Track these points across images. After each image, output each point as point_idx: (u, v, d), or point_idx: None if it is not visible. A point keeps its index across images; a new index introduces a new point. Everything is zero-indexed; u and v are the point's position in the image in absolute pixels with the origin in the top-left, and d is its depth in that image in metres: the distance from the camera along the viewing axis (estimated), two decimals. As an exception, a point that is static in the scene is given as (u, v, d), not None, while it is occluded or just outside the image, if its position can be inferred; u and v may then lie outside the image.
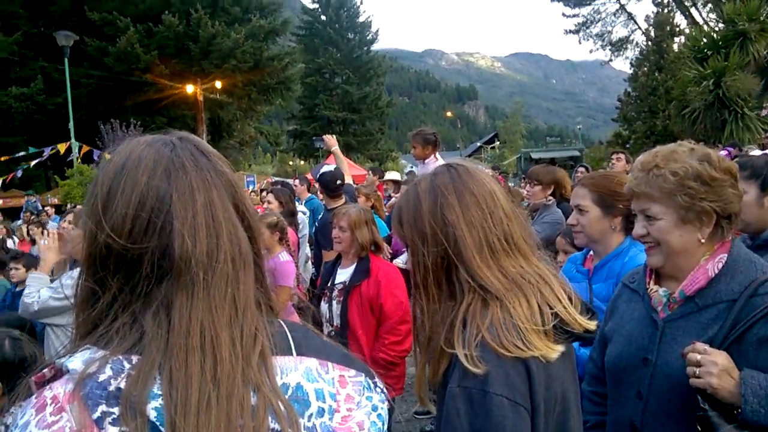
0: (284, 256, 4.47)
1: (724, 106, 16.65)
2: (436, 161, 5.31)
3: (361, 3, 58.76)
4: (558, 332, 1.26)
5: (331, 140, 6.01)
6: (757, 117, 16.84)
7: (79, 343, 0.84)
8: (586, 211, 2.40)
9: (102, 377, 0.77)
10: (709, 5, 38.51)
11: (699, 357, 1.50)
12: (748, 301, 1.54)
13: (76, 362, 0.79)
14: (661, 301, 1.70)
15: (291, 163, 64.92)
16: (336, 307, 3.64)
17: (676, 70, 24.61)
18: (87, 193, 0.92)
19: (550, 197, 5.01)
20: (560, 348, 1.25)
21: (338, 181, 5.39)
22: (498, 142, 65.17)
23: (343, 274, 3.74)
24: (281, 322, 0.94)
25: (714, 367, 1.47)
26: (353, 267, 3.69)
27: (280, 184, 7.18)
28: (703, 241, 1.64)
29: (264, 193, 9.07)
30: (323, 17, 56.89)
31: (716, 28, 19.64)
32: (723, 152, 7.93)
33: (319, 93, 55.30)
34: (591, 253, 2.53)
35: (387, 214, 6.44)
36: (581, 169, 7.10)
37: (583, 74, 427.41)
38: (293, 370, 0.85)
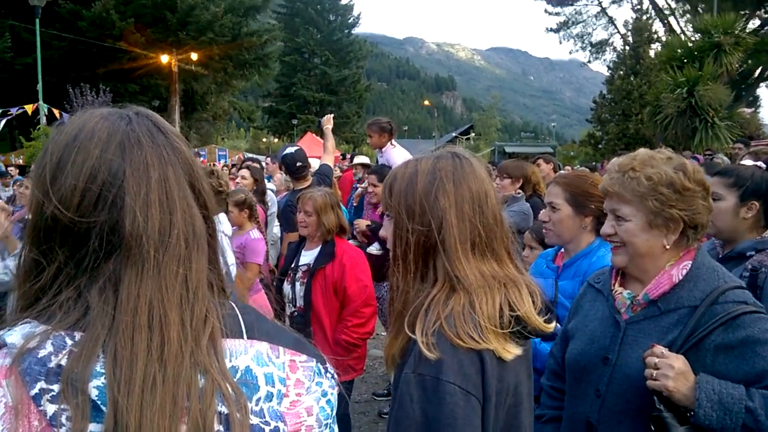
0: (255, 234, 4.44)
1: (695, 114, 16.97)
2: (393, 148, 5.34)
3: (344, -15, 58.29)
4: (516, 335, 1.28)
5: (328, 119, 5.91)
6: (726, 127, 17.22)
7: (19, 316, 0.80)
8: (558, 209, 2.42)
9: (42, 353, 0.73)
10: (687, 15, 39.25)
11: (657, 360, 1.53)
12: (709, 309, 1.57)
13: (14, 336, 0.75)
14: (625, 303, 1.72)
15: (264, 140, 64.26)
16: (299, 289, 3.61)
17: (651, 76, 25.05)
18: (36, 162, 0.88)
19: (519, 190, 5.07)
20: (516, 351, 1.27)
21: (299, 163, 5.25)
22: (473, 134, 65.44)
23: (308, 256, 3.70)
24: (233, 304, 0.91)
25: (671, 370, 1.51)
26: (318, 249, 3.66)
27: (252, 161, 7.06)
28: (667, 247, 1.67)
29: (235, 169, 8.96)
30: (306, -4, 56.26)
31: (693, 38, 19.95)
32: (694, 161, 8.08)
33: (297, 72, 54.82)
34: (562, 250, 2.55)
35: (355, 204, 6.36)
36: (539, 160, 7.12)
37: (561, 73, 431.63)
38: (243, 354, 0.84)
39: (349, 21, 58.89)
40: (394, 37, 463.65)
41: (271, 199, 6.09)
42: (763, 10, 39.06)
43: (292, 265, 3.73)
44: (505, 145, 32.20)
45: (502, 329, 1.25)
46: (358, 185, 7.12)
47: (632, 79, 29.71)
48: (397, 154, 5.42)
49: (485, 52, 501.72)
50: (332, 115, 6.22)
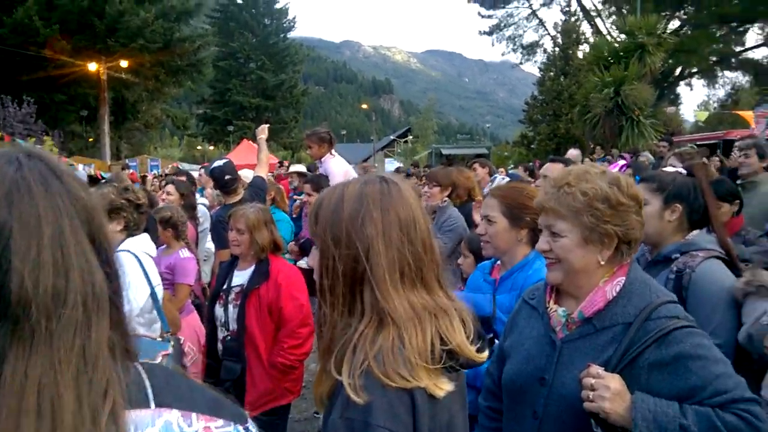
0: (184, 253, 4.24)
1: (622, 113, 17.65)
2: (332, 158, 5.26)
3: (279, -12, 57.72)
4: (448, 369, 1.23)
5: (262, 129, 5.69)
6: (650, 125, 17.98)
7: None
8: (494, 222, 2.40)
9: None
10: (613, 17, 40.88)
11: (593, 381, 1.51)
12: (642, 325, 1.56)
13: None
14: (560, 321, 1.69)
15: (199, 148, 62.82)
16: (232, 311, 3.45)
17: (580, 77, 25.88)
18: None
19: (446, 198, 5.07)
20: (448, 387, 1.21)
21: (227, 176, 5.01)
22: (411, 136, 65.95)
23: (241, 277, 3.54)
24: (140, 367, 0.82)
25: (607, 391, 1.49)
26: (251, 269, 3.51)
27: (182, 174, 6.78)
28: (602, 262, 1.65)
29: (164, 182, 8.61)
30: (239, 0, 55.29)
31: (618, 39, 20.76)
32: (622, 161, 8.36)
33: (232, 78, 53.85)
34: (499, 262, 2.52)
35: (294, 215, 6.22)
36: (475, 165, 7.26)
37: (495, 75, 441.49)
38: (150, 426, 0.76)
39: (285, 25, 58.31)
40: (330, 41, 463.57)
41: (203, 213, 5.84)
42: (682, 11, 41.20)
43: (224, 287, 3.56)
44: (442, 148, 32.64)
45: (433, 364, 1.19)
46: (295, 196, 6.97)
47: (562, 79, 30.68)
48: (335, 164, 5.32)
49: (421, 55, 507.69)
50: (267, 125, 6.02)
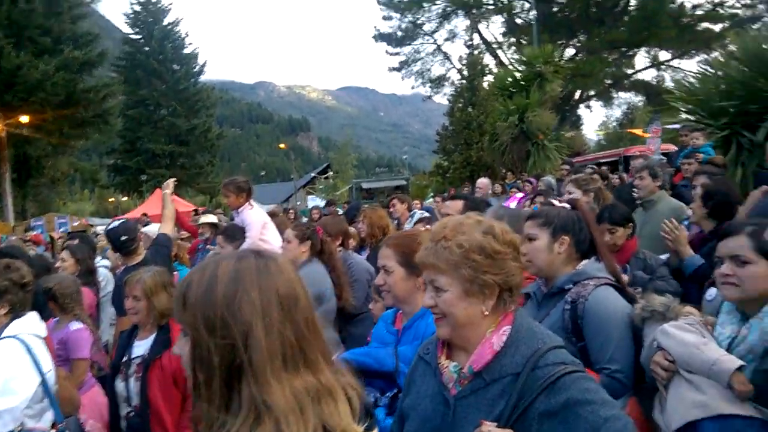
0: (75, 325, 3.97)
1: (527, 139, 18.45)
2: (251, 208, 5.13)
3: (187, 35, 56.91)
4: None
5: (167, 184, 5.40)
6: (555, 148, 18.87)
7: None
8: (391, 272, 2.39)
9: None
10: (513, 48, 43.00)
11: None
12: (530, 375, 1.54)
13: None
14: (452, 378, 1.67)
15: (112, 199, 60.27)
16: (134, 385, 3.23)
17: (487, 106, 26.87)
18: None
19: (340, 247, 5.02)
20: None
21: (123, 237, 4.75)
22: (331, 172, 66.08)
23: (141, 347, 3.33)
24: None
25: None
26: (152, 338, 3.31)
27: (78, 237, 6.39)
28: (486, 313, 1.65)
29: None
30: (146, 48, 54.08)
31: (519, 69, 21.76)
32: (519, 194, 8.63)
33: (142, 126, 52.25)
34: (401, 311, 2.51)
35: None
36: (394, 200, 7.34)
37: (408, 107, 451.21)
38: None
39: (195, 69, 57.35)
40: (243, 82, 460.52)
41: (105, 277, 5.50)
42: (575, 39, 43.89)
43: (124, 359, 3.33)
44: (362, 182, 32.81)
45: None
46: (207, 246, 6.72)
47: (470, 110, 31.59)
48: (254, 215, 5.16)
49: (335, 92, 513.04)
50: (173, 180, 5.80)
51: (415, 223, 4.44)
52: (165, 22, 55.64)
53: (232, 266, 1.21)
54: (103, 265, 5.77)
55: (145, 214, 21.80)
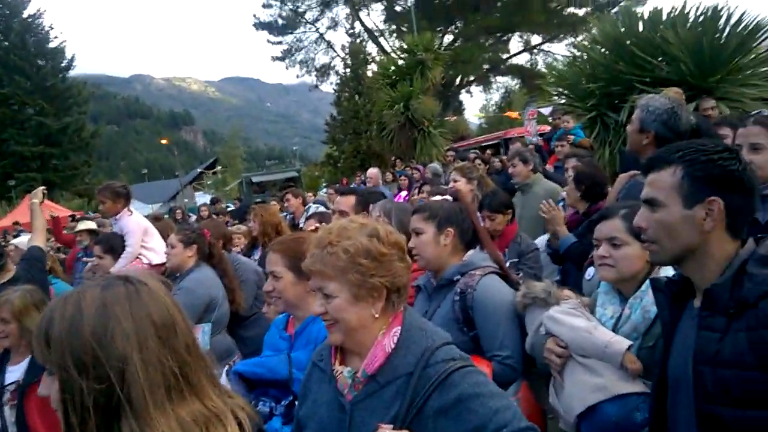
0: None
1: (413, 126, 18.86)
2: (130, 215, 4.85)
3: (51, 28, 52.46)
4: None
5: (35, 193, 4.94)
6: (440, 134, 19.43)
7: None
8: (280, 277, 2.35)
9: None
10: (394, 35, 43.65)
11: None
12: (422, 373, 1.56)
13: None
14: (347, 383, 1.66)
15: (-27, 209, 54.89)
16: (9, 414, 2.97)
17: (372, 95, 27.17)
18: None
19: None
20: None
21: None
22: (219, 167, 64.12)
23: (15, 372, 3.07)
24: None
25: None
26: (26, 362, 3.06)
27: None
28: (377, 315, 1.65)
29: None
30: (5, 43, 49.36)
31: (401, 56, 22.14)
32: (403, 193, 8.80)
33: (7, 127, 47.81)
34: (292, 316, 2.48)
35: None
36: (288, 195, 7.30)
37: (295, 97, 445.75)
38: None
39: (62, 65, 53.18)
40: (118, 76, 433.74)
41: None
42: (453, 26, 45.28)
43: (-5, 388, 3.07)
44: (252, 175, 32.11)
45: None
46: (85, 258, 6.30)
47: (357, 99, 31.90)
48: (133, 221, 4.86)
49: (218, 83, 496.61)
50: (43, 188, 5.36)
51: (307, 219, 4.42)
52: (25, 15, 51.09)
53: (98, 296, 1.12)
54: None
55: (17, 222, 20.05)
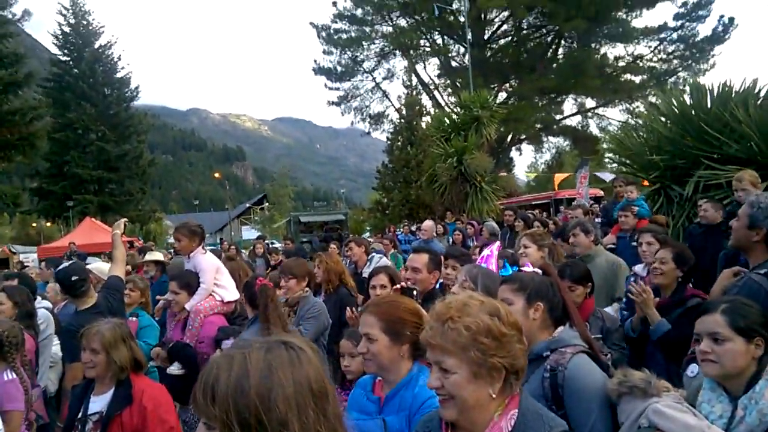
0: (8, 375, 3.74)
1: (465, 181, 18.91)
2: (204, 254, 5.01)
3: (119, 59, 55.42)
4: None
5: (119, 224, 5.21)
6: (492, 190, 19.44)
7: None
8: (375, 340, 2.36)
9: None
10: (449, 89, 44.34)
11: None
12: None
13: None
14: None
15: (34, 225, 57.09)
16: (91, 443, 3.07)
17: (425, 146, 27.44)
18: None
19: (306, 288, 5.09)
20: None
21: (74, 277, 4.49)
22: (267, 204, 65.37)
23: (99, 402, 3.17)
24: None
25: None
26: (110, 393, 3.17)
27: (17, 277, 6.01)
28: (494, 396, 1.65)
29: None
30: (75, 70, 52.19)
31: (455, 111, 22.40)
32: (487, 251, 8.85)
33: (69, 149, 50.05)
34: (379, 378, 2.50)
35: (157, 318, 5.72)
36: (351, 244, 7.44)
37: (345, 141, 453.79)
38: None
39: (127, 94, 55.80)
40: (177, 109, 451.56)
41: (45, 319, 5.19)
42: (508, 84, 45.76)
43: (79, 415, 3.17)
44: (300, 215, 32.58)
45: None
46: (159, 297, 6.41)
47: (409, 149, 32.23)
48: (207, 260, 5.01)
49: (271, 122, 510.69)
50: (124, 220, 5.63)
51: (375, 273, 4.44)
52: (96, 45, 54.08)
53: (262, 358, 1.15)
54: (43, 306, 5.46)
55: (72, 243, 20.84)
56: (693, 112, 9.16)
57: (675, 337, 3.57)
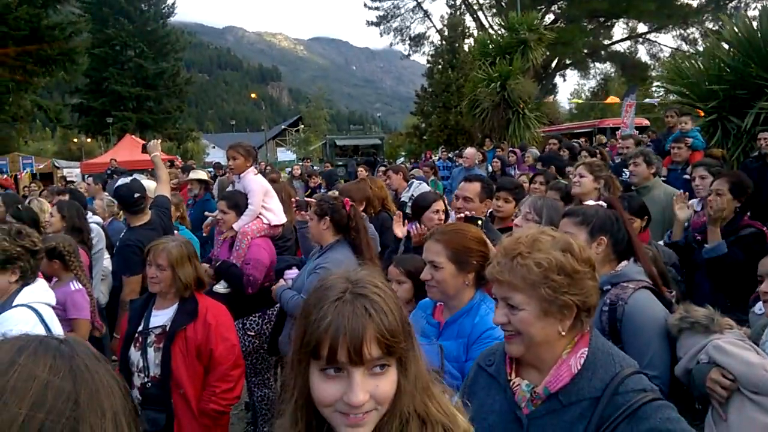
0: (75, 285, 3.89)
1: (508, 107, 18.38)
2: (256, 174, 5.01)
3: (157, -27, 54.33)
4: None
5: (155, 145, 5.28)
6: (535, 117, 18.91)
7: None
8: (441, 268, 2.35)
9: None
10: (494, 10, 42.49)
11: None
12: (611, 400, 1.52)
13: None
14: (525, 397, 1.63)
15: (75, 140, 58.38)
16: (153, 355, 3.16)
17: (467, 70, 26.63)
18: None
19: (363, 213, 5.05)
20: None
21: (136, 194, 4.62)
22: (302, 126, 65.15)
23: (162, 317, 3.25)
24: None
25: None
26: (174, 308, 3.24)
27: (69, 192, 6.14)
28: (563, 333, 1.61)
29: (46, 191, 7.68)
30: (112, -15, 51.54)
31: (500, 34, 21.52)
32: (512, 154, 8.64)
33: (108, 66, 50.16)
34: (440, 303, 2.50)
35: (205, 234, 5.82)
36: (389, 173, 7.41)
37: (381, 63, 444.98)
38: None
39: (164, 10, 55.02)
40: (212, 26, 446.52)
41: (97, 233, 5.33)
42: (556, 6, 43.60)
43: (140, 328, 3.26)
44: (336, 138, 32.50)
45: None
46: (207, 213, 6.50)
47: (450, 72, 31.40)
48: (257, 182, 5.02)
49: (307, 42, 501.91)
50: (159, 140, 5.66)
51: (410, 197, 4.38)
52: (132, -41, 53.03)
53: None
54: (94, 221, 5.60)
55: (114, 159, 21.32)
56: (761, 39, 8.59)
57: (725, 263, 3.46)
